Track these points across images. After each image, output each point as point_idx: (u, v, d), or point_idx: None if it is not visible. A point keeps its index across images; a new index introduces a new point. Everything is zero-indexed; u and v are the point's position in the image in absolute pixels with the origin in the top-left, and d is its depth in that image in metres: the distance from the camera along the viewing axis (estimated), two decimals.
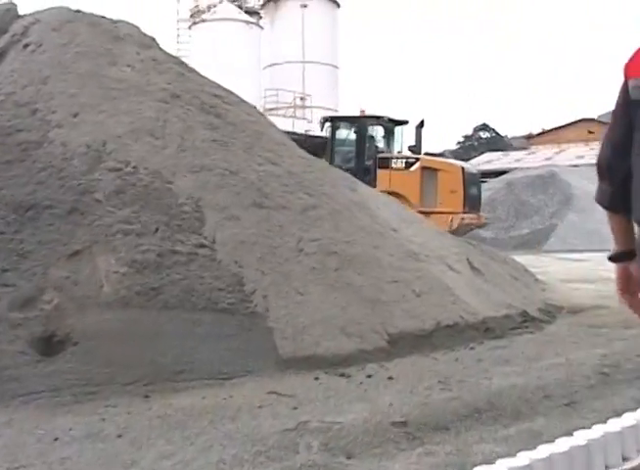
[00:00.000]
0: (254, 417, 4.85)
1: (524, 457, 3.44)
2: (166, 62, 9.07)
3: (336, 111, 47.94)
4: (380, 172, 18.95)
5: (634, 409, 4.91)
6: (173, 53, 11.07)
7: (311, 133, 32.32)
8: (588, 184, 29.48)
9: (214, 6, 48.06)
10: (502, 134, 73.01)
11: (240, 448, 4.18)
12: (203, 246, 6.86)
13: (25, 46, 8.58)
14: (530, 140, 64.12)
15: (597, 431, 3.82)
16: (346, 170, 18.84)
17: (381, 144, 20.04)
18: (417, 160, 18.83)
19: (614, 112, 2.71)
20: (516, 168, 40.52)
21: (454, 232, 17.47)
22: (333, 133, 20.14)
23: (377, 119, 19.71)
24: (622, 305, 3.00)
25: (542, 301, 9.92)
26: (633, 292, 2.89)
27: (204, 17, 47.43)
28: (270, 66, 49.68)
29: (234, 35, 45.35)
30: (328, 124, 20.19)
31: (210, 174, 7.61)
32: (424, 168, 18.63)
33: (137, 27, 9.49)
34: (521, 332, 8.12)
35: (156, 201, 7.08)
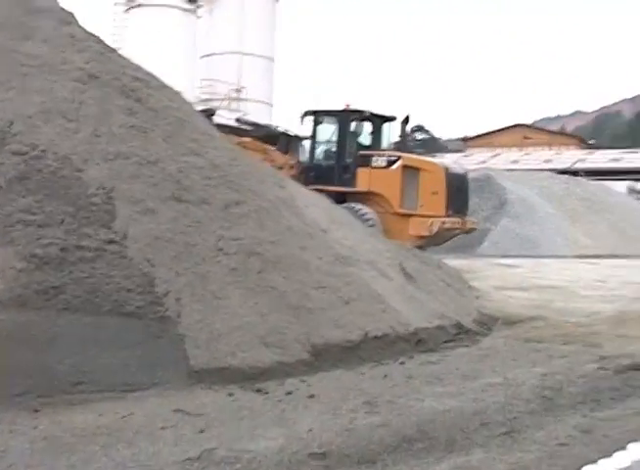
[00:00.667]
0: (154, 441, 4.27)
1: None
2: (86, 39, 8.37)
3: (270, 104, 47.44)
4: (360, 171, 17.79)
5: (579, 440, 4.50)
6: (108, 38, 10.38)
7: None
8: (523, 189, 29.49)
9: None
10: (437, 136, 73.62)
11: None
12: (112, 241, 6.21)
13: None
14: (466, 143, 64.61)
15: None
16: (326, 168, 18.42)
17: (368, 141, 18.84)
18: (398, 158, 17.62)
19: None
20: None
21: (435, 237, 16.88)
22: (314, 128, 18.90)
23: (359, 114, 18.29)
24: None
25: (477, 310, 9.54)
26: None
27: (140, 1, 46.25)
28: (207, 56, 48.75)
29: (170, 22, 44.42)
30: (309, 118, 18.87)
31: (126, 163, 6.98)
32: (405, 167, 17.44)
33: (56, 1, 8.78)
34: (454, 345, 7.69)
35: (63, 190, 6.42)
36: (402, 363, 6.71)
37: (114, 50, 8.88)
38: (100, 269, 5.94)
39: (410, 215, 16.73)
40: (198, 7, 48.95)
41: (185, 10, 46.68)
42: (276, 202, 8.03)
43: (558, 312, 10.34)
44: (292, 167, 18.30)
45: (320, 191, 17.76)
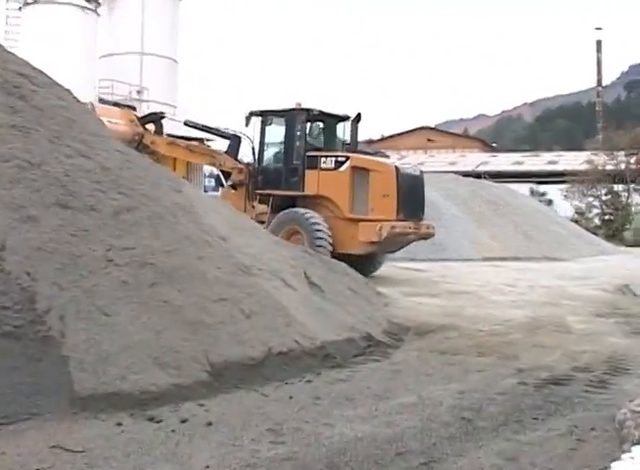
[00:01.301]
0: None
1: None
2: None
3: (174, 106, 46.42)
4: (308, 173, 16.60)
5: (504, 468, 4.13)
6: (1, 36, 9.63)
7: None
8: (429, 191, 29.43)
9: None
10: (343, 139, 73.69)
11: None
12: None
13: None
14: (371, 145, 64.91)
15: None
16: (274, 171, 17.52)
17: (321, 143, 17.78)
18: (347, 158, 16.35)
19: None
20: None
21: (386, 243, 15.93)
22: (262, 129, 17.73)
23: (309, 113, 17.05)
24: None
25: (386, 319, 9.18)
26: None
27: None
28: (106, 56, 47.38)
29: (68, 21, 42.94)
30: (256, 119, 17.69)
31: (6, 166, 6.35)
32: (354, 168, 16.18)
33: None
34: (365, 359, 7.30)
35: None
36: (309, 382, 6.26)
37: None
38: None
39: (360, 220, 15.76)
40: (97, 5, 47.56)
41: (83, 8, 45.24)
42: (172, 208, 7.50)
43: (470, 320, 10.10)
44: (240, 171, 17.55)
45: (268, 196, 17.18)
